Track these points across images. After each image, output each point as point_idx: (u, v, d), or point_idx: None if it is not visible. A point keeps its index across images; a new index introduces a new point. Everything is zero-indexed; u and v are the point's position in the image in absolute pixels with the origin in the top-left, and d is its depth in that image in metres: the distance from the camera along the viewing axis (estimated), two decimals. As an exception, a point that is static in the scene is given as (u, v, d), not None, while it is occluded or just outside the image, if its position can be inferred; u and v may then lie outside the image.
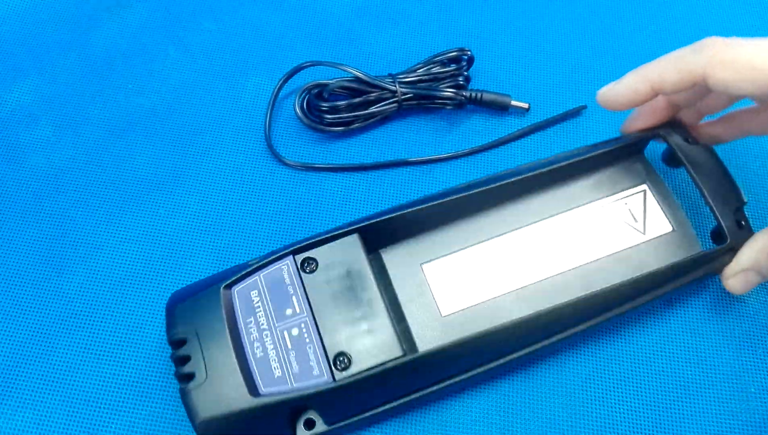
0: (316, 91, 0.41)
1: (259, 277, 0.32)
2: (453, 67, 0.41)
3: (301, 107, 0.41)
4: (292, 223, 0.39)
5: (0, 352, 0.36)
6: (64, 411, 0.34)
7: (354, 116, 0.40)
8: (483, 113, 0.42)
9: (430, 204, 0.35)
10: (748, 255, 0.33)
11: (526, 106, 0.41)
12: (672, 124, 0.36)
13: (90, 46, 0.45)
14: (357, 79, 0.40)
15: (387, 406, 0.32)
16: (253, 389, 0.30)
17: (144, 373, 0.35)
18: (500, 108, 0.41)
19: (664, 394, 0.34)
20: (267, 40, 0.45)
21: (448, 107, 0.41)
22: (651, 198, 0.36)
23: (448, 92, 0.40)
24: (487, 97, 0.41)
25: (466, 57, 0.41)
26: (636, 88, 0.33)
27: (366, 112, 0.40)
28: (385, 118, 0.42)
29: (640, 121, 0.36)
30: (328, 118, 0.40)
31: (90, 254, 0.38)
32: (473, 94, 0.41)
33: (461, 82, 0.41)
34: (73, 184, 0.40)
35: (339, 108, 0.40)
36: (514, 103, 0.41)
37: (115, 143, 0.42)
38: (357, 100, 0.40)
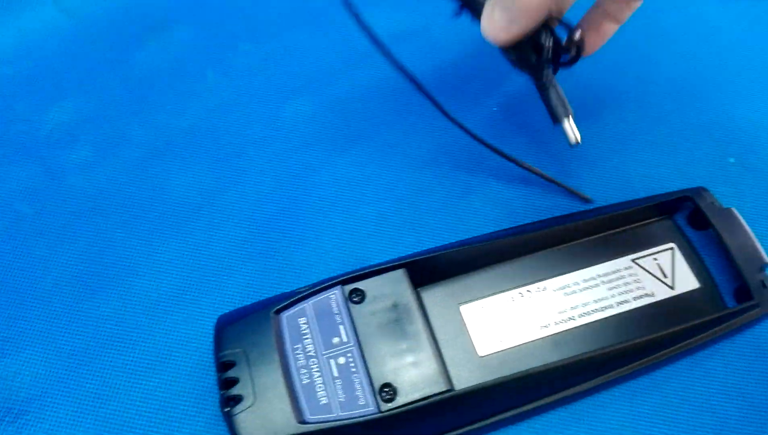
0: None
1: (308, 305, 0.33)
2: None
3: None
4: (329, 250, 0.39)
5: (33, 373, 0.35)
6: (98, 435, 0.34)
7: None
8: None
9: (470, 246, 0.36)
10: None
11: (574, 138, 0.36)
12: (701, 190, 0.39)
13: (130, 67, 0.47)
14: None
15: (425, 443, 0.32)
16: (299, 416, 0.30)
17: (180, 397, 0.35)
18: (552, 117, 0.36)
19: (705, 432, 0.34)
20: (306, 64, 0.46)
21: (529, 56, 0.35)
22: (679, 256, 0.38)
23: (546, 41, 0.34)
24: (553, 92, 0.36)
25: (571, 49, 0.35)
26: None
27: None
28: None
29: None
30: None
31: (126, 276, 0.38)
32: (548, 76, 0.35)
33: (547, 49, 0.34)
34: (112, 205, 0.41)
35: None
36: (567, 125, 0.36)
37: (153, 164, 0.42)
38: None
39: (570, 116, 0.36)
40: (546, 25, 0.34)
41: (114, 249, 0.39)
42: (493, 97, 0.45)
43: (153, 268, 0.39)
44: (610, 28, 0.38)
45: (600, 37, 0.38)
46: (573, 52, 0.35)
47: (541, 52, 0.34)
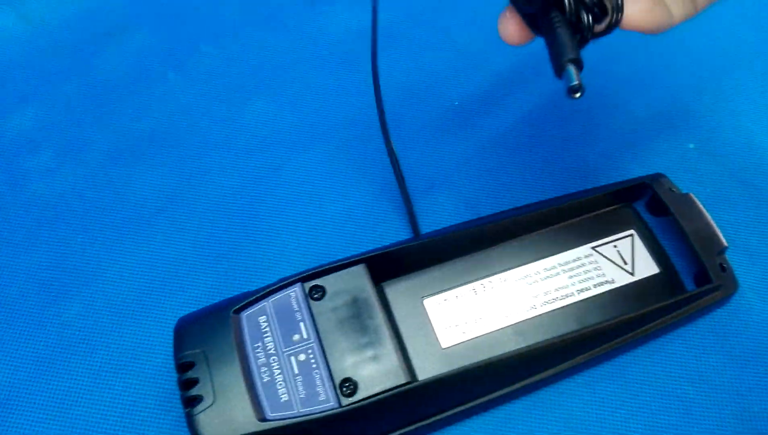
0: None
1: (268, 303, 0.33)
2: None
3: None
4: (292, 249, 0.39)
5: (-2, 380, 0.36)
6: (64, 439, 0.34)
7: None
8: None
9: (432, 239, 0.36)
10: None
11: (576, 82, 0.27)
12: (659, 176, 0.39)
13: (90, 72, 0.47)
14: None
15: (389, 435, 0.33)
16: (260, 413, 0.30)
17: (145, 400, 0.35)
18: (555, 64, 0.28)
19: (668, 415, 0.34)
20: (267, 63, 0.47)
21: None
22: (638, 242, 0.38)
23: None
24: (561, 31, 0.28)
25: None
26: None
27: None
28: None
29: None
30: None
31: (90, 280, 0.38)
32: (554, 15, 0.28)
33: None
34: (74, 211, 0.41)
35: None
36: (571, 70, 0.27)
37: (115, 168, 0.42)
38: None
39: (577, 64, 0.28)
40: None
41: (77, 254, 0.39)
42: (456, 91, 0.46)
43: (116, 272, 0.39)
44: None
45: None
46: (613, 17, 0.28)
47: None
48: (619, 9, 0.28)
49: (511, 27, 0.30)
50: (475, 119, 0.44)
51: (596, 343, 0.35)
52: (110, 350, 0.36)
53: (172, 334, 0.36)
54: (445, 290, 0.36)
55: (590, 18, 0.28)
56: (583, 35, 0.29)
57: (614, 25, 0.29)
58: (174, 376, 0.35)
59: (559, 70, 0.28)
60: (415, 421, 0.33)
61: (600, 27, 0.29)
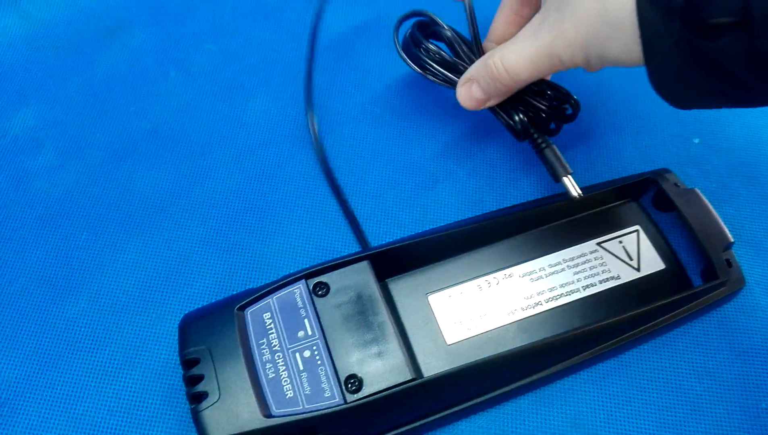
0: (422, 28, 0.40)
1: (272, 300, 0.33)
2: (549, 103, 0.37)
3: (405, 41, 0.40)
4: (296, 245, 0.39)
5: (4, 377, 0.35)
6: (70, 436, 0.34)
7: (439, 72, 0.39)
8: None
9: (436, 235, 0.36)
10: (472, 67, 0.37)
11: (576, 193, 0.36)
12: (665, 171, 0.39)
13: (92, 70, 0.46)
14: (454, 42, 0.39)
15: (394, 432, 0.32)
16: (265, 410, 0.30)
17: (150, 396, 0.35)
18: (552, 174, 0.37)
19: (675, 412, 0.34)
20: (267, 59, 0.46)
21: (509, 129, 0.38)
22: (644, 238, 0.38)
23: (517, 117, 0.37)
24: (548, 153, 0.37)
25: (569, 105, 0.38)
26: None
27: (446, 74, 0.39)
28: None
29: None
30: (424, 59, 0.39)
31: (94, 277, 0.38)
32: (538, 139, 0.37)
33: (543, 118, 0.37)
34: (78, 208, 0.41)
35: (438, 56, 0.39)
36: (566, 180, 0.36)
37: (118, 166, 0.42)
38: (450, 60, 0.39)
39: (570, 174, 0.36)
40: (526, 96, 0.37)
41: (81, 251, 0.39)
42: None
43: (120, 269, 0.38)
44: None
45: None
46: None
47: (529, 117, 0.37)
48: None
49: (467, 99, 0.37)
50: (476, 115, 0.44)
51: (602, 340, 0.35)
52: (115, 346, 0.36)
53: (176, 330, 0.36)
54: (449, 286, 0.36)
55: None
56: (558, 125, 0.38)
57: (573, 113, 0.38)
58: (179, 372, 0.35)
59: (557, 181, 0.37)
60: (420, 417, 0.33)
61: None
